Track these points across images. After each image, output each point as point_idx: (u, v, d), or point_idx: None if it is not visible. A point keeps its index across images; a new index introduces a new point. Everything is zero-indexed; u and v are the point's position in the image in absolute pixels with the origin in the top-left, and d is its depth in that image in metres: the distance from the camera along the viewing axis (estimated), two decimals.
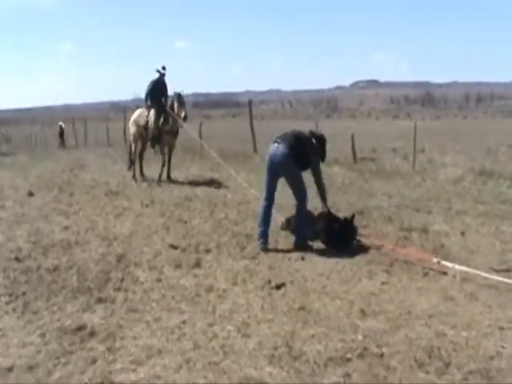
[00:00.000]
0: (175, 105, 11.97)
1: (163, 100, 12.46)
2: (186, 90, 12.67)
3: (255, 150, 18.63)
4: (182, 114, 11.79)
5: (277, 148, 6.62)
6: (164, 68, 12.58)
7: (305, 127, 7.86)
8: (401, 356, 3.76)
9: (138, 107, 13.56)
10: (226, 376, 3.56)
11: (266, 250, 6.54)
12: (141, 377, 3.60)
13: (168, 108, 12.12)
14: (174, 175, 12.71)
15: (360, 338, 4.08)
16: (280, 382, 3.46)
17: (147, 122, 12.42)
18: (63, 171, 15.35)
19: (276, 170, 6.72)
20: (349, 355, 3.79)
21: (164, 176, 12.44)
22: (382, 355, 3.78)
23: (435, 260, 5.46)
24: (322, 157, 6.93)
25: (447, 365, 3.63)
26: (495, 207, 8.42)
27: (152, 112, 12.39)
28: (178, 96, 12.01)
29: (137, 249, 6.87)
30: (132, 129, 12.96)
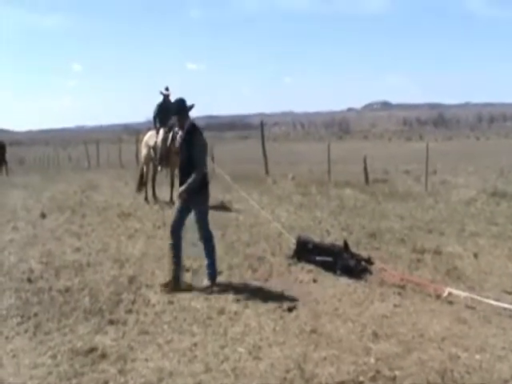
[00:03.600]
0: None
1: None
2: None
3: (267, 172, 18.70)
4: None
5: None
6: (167, 89, 12.66)
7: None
8: (413, 379, 3.72)
9: (149, 129, 13.65)
10: None
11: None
12: None
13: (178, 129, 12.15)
14: None
15: (372, 360, 4.04)
16: None
17: (156, 143, 12.50)
18: (75, 193, 15.46)
19: None
20: (361, 378, 3.76)
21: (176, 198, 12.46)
22: (394, 378, 3.74)
23: (447, 292, 5.37)
24: None
25: None
26: (508, 228, 8.35)
27: (161, 132, 12.48)
28: None
29: (148, 271, 6.88)
30: (144, 151, 13.06)
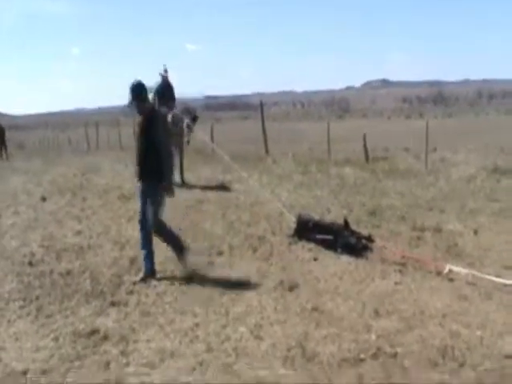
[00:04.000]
0: (185, 120, 11.77)
1: (170, 101, 12.49)
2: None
3: (267, 152, 18.63)
4: (186, 139, 11.69)
5: None
6: (166, 70, 12.59)
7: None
8: (415, 356, 3.75)
9: None
10: (240, 378, 3.56)
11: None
12: (154, 381, 3.61)
13: (178, 111, 12.06)
14: (185, 177, 12.68)
15: (373, 338, 4.07)
16: None
17: None
18: (75, 176, 15.42)
19: None
20: (362, 356, 3.78)
21: (177, 178, 12.45)
22: (395, 355, 3.77)
23: (447, 269, 5.38)
24: None
25: (461, 364, 3.61)
26: (509, 205, 8.32)
27: None
28: (193, 118, 11.83)
29: None
30: None
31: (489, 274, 5.18)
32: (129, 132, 29.11)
